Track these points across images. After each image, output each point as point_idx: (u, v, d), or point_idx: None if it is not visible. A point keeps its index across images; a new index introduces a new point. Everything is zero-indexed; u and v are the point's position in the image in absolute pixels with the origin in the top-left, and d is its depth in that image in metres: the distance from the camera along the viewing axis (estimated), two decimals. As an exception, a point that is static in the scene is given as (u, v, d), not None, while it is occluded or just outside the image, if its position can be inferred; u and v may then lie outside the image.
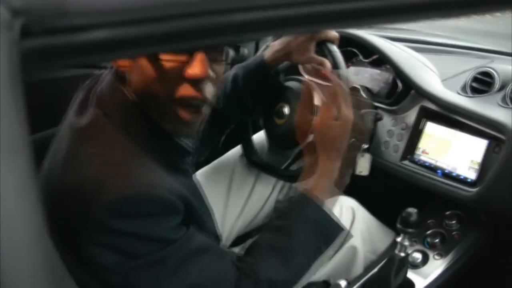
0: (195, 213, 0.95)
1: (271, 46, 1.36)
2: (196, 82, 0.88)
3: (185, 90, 0.88)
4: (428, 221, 1.41)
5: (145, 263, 0.84)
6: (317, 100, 1.41)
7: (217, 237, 1.09)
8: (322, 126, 1.14)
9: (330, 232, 1.11)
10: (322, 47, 1.30)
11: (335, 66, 1.27)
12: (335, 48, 1.29)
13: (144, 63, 0.87)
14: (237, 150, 1.63)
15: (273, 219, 1.12)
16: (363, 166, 1.44)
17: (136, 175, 0.85)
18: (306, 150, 1.21)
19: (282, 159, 1.47)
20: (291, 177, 1.45)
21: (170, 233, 0.86)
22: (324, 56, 1.30)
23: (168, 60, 0.86)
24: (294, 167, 1.44)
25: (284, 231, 1.06)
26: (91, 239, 0.83)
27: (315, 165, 1.14)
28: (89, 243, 0.83)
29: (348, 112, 1.12)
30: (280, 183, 1.61)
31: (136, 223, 0.83)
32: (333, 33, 1.30)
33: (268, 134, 1.54)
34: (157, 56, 0.86)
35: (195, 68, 0.86)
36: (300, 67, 1.63)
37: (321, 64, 1.29)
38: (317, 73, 1.59)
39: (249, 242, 1.39)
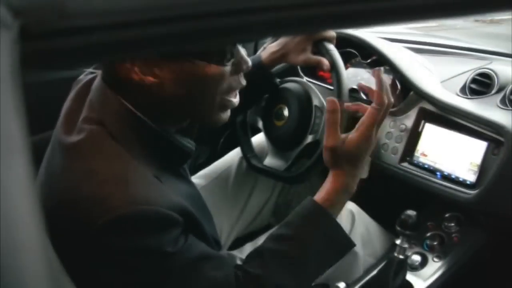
0: (195, 222, 0.94)
1: (268, 48, 1.36)
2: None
3: (240, 82, 1.00)
4: (427, 224, 1.42)
5: (145, 278, 0.84)
6: (316, 101, 1.41)
7: (217, 242, 1.09)
8: (357, 143, 1.08)
9: (343, 246, 1.08)
10: (319, 47, 1.30)
11: (333, 65, 1.27)
12: (332, 47, 1.29)
13: (188, 72, 0.90)
14: (235, 152, 1.63)
15: (281, 226, 1.08)
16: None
17: (135, 192, 0.83)
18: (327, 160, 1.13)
19: (283, 161, 1.47)
20: (292, 179, 1.45)
21: (169, 246, 0.85)
22: (322, 55, 1.30)
23: (212, 65, 0.90)
24: (294, 169, 1.44)
25: (294, 241, 1.03)
26: (90, 256, 0.82)
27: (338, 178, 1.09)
28: (87, 260, 0.82)
29: (378, 131, 1.11)
30: (279, 186, 1.61)
31: (135, 240, 0.82)
32: (330, 32, 1.30)
33: (268, 136, 1.54)
34: (196, 63, 0.89)
35: (247, 61, 0.98)
36: (299, 68, 1.64)
37: (319, 64, 1.29)
38: (315, 74, 1.60)
39: (247, 245, 1.39)
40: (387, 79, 1.53)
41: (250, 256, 1.05)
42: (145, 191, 0.85)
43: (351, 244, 1.09)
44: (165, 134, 0.94)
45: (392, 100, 1.11)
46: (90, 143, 0.87)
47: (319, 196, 1.08)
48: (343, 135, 1.08)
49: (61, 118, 0.97)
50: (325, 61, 1.28)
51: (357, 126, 1.08)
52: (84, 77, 1.04)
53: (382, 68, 1.18)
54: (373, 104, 1.08)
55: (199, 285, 0.90)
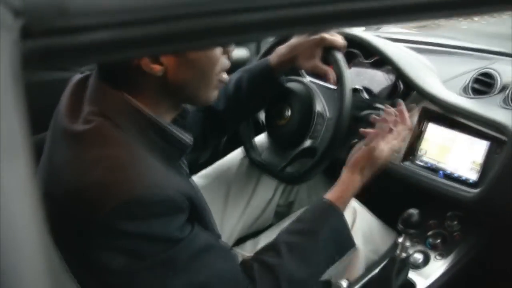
0: (199, 211, 0.95)
1: (276, 50, 1.36)
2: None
3: (228, 62, 1.03)
4: (429, 222, 1.41)
5: (153, 264, 0.84)
6: (318, 107, 1.41)
7: (218, 236, 1.09)
8: (386, 153, 1.20)
9: (346, 244, 1.13)
10: (328, 55, 1.30)
11: (339, 78, 1.27)
12: (340, 57, 1.29)
13: (191, 56, 0.94)
14: (238, 152, 1.63)
15: (294, 222, 1.13)
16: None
17: (142, 177, 0.84)
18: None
19: (279, 159, 1.47)
20: (286, 178, 1.45)
21: (176, 232, 0.86)
22: (330, 64, 1.30)
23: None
24: (290, 169, 1.45)
25: (308, 235, 1.08)
26: (99, 242, 0.83)
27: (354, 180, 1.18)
28: (96, 247, 0.83)
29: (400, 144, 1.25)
30: (282, 186, 1.62)
31: (143, 225, 0.83)
32: (340, 41, 1.30)
33: (269, 134, 1.54)
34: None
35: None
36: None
37: (325, 73, 1.30)
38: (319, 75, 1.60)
39: (249, 242, 1.39)
40: (389, 79, 1.54)
41: (264, 248, 1.08)
42: (153, 176, 0.86)
43: (352, 244, 1.14)
44: (164, 125, 0.95)
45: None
46: (98, 132, 0.88)
47: (333, 193, 1.15)
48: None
49: (62, 111, 0.97)
50: (332, 75, 1.29)
51: (387, 138, 1.22)
52: (77, 76, 1.05)
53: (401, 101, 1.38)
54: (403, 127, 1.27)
55: (204, 274, 0.90)
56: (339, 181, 1.18)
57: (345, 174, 1.18)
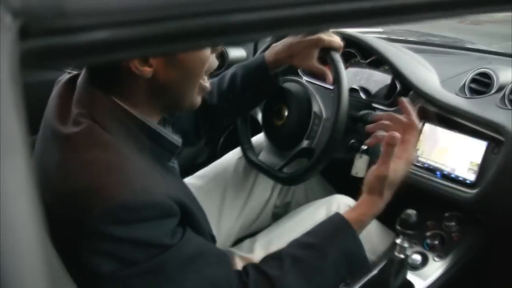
0: (191, 215, 0.94)
1: (272, 47, 1.36)
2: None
3: (216, 62, 1.06)
4: (427, 223, 1.41)
5: (143, 270, 0.84)
6: (316, 107, 1.41)
7: (212, 238, 1.09)
8: (402, 170, 1.12)
9: (361, 268, 1.10)
10: (325, 55, 1.30)
11: (337, 78, 1.27)
12: (338, 58, 1.29)
13: (180, 58, 0.96)
14: (235, 153, 1.63)
15: (305, 234, 1.10)
16: (360, 167, 1.44)
17: (132, 181, 0.84)
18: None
19: (276, 159, 1.47)
20: (283, 179, 1.45)
21: (167, 238, 0.86)
22: (327, 63, 1.31)
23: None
24: (288, 169, 1.45)
25: (316, 252, 1.05)
26: (88, 246, 0.83)
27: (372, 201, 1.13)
28: (86, 251, 0.83)
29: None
30: (279, 186, 1.61)
31: (133, 229, 0.82)
32: (338, 42, 1.30)
33: (267, 134, 1.54)
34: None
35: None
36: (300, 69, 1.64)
37: (322, 73, 1.30)
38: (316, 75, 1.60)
39: (246, 241, 1.39)
40: (386, 79, 1.54)
41: (268, 257, 1.06)
42: (143, 180, 0.86)
43: (367, 266, 1.11)
44: (153, 127, 0.96)
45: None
46: (87, 136, 0.88)
47: (351, 215, 1.11)
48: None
49: (52, 112, 0.97)
50: (329, 74, 1.29)
51: (397, 153, 1.11)
52: (63, 77, 1.05)
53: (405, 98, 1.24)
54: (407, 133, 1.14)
55: (196, 281, 0.90)
56: (359, 202, 1.14)
57: (364, 197, 1.14)
